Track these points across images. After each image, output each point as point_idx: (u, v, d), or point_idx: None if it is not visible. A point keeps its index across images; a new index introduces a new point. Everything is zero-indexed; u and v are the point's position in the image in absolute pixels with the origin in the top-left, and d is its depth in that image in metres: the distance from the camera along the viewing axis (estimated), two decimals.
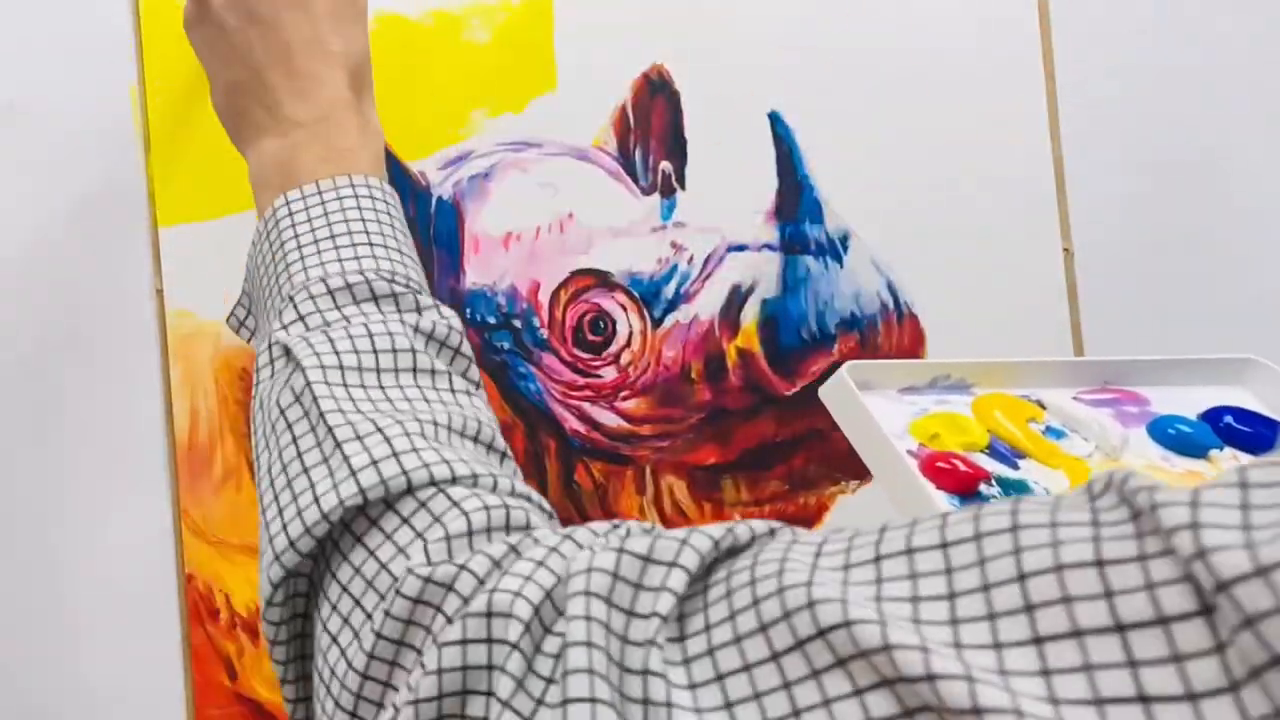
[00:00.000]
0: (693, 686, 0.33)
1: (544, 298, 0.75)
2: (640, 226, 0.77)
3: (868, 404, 0.54)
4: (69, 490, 0.72)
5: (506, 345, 0.75)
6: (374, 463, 0.42)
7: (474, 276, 0.75)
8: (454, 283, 0.75)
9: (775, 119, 0.78)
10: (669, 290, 0.77)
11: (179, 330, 0.73)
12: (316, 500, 0.42)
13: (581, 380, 0.76)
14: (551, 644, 0.36)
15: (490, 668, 0.36)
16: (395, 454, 0.42)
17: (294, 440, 0.44)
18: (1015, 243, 0.80)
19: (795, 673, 0.32)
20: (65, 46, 0.72)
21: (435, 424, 0.44)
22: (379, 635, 0.38)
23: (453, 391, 0.47)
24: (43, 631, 0.72)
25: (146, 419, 0.73)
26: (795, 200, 0.78)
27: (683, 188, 0.77)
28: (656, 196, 0.77)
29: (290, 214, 0.53)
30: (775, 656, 0.32)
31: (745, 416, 0.77)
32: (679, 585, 0.35)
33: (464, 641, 0.36)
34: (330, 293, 0.49)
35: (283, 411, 0.45)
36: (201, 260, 0.73)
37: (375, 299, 0.49)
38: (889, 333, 0.79)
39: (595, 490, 0.76)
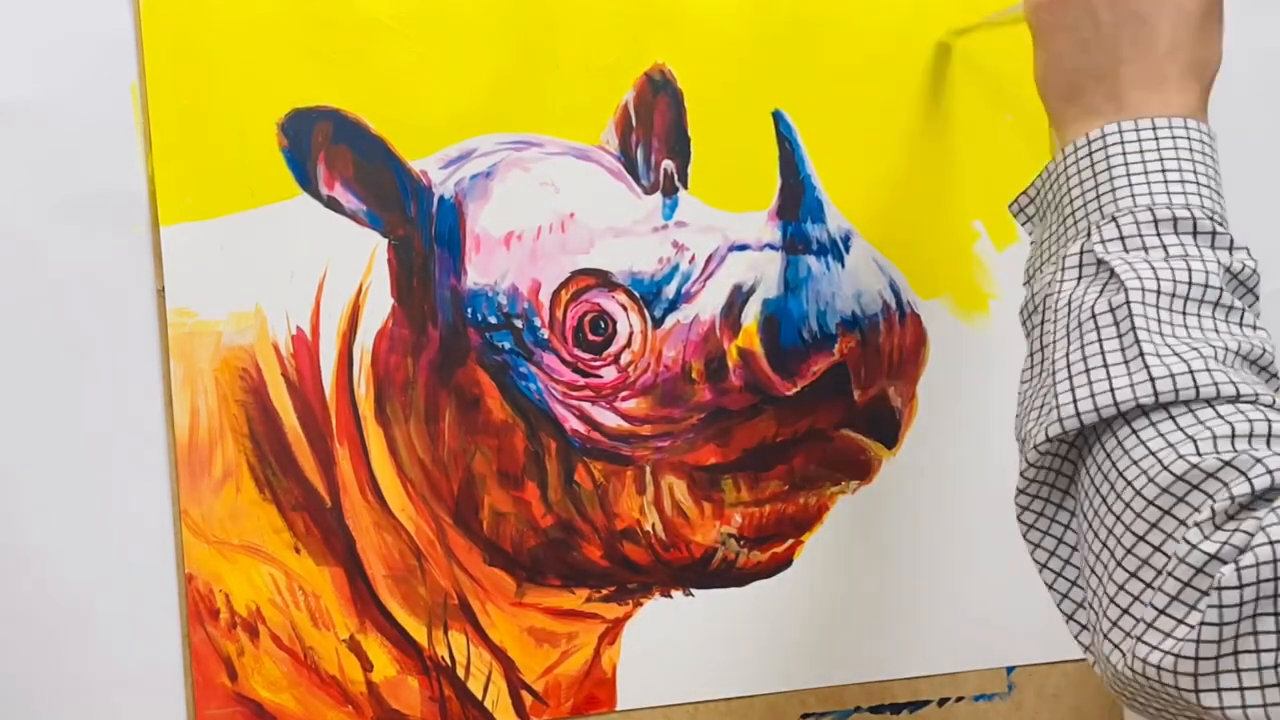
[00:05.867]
0: None
1: (545, 297, 0.75)
2: (642, 226, 0.77)
3: None
4: (69, 490, 0.72)
5: (507, 345, 0.75)
6: (1171, 374, 0.52)
7: (475, 276, 0.75)
8: (455, 282, 0.75)
9: (779, 118, 0.78)
10: (670, 290, 0.77)
11: (179, 330, 0.73)
12: (1112, 390, 0.52)
13: (582, 380, 0.76)
14: None
15: None
16: (1190, 370, 0.51)
17: (1099, 340, 0.54)
18: (1015, 243, 0.81)
19: None
20: (65, 46, 0.72)
21: (1226, 350, 0.53)
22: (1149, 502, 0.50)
23: (1242, 325, 0.55)
24: (43, 631, 0.71)
25: (146, 419, 0.73)
26: (797, 200, 0.78)
27: (685, 187, 0.77)
28: (658, 196, 0.77)
29: (1121, 141, 0.59)
30: None
31: (745, 416, 0.77)
32: None
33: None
34: (1155, 221, 0.56)
35: (1094, 316, 0.55)
36: (202, 260, 0.73)
37: (1195, 234, 0.56)
38: (890, 332, 0.79)
39: (595, 490, 0.76)
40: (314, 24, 0.74)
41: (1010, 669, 0.80)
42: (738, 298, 0.77)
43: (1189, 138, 0.58)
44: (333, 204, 0.74)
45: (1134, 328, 0.53)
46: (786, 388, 0.78)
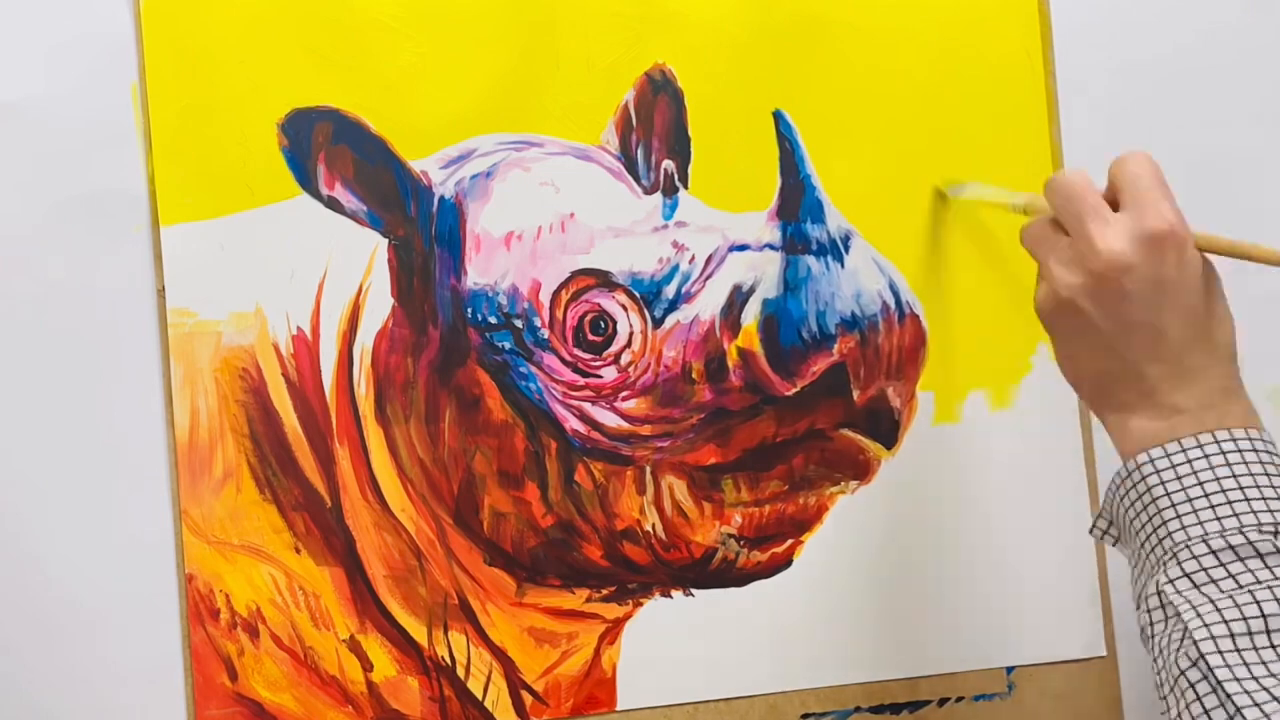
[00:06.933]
0: None
1: (545, 297, 0.75)
2: (641, 226, 0.77)
3: None
4: (69, 490, 0.72)
5: (507, 345, 0.75)
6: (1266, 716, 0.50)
7: (475, 276, 0.75)
8: (455, 282, 0.75)
9: (779, 118, 0.78)
10: (670, 290, 0.77)
11: (179, 330, 0.73)
12: None
13: (582, 380, 0.76)
14: None
15: None
16: None
17: (1198, 698, 0.53)
18: (1016, 243, 0.81)
19: None
20: (65, 46, 0.72)
21: None
22: None
23: None
24: (43, 631, 0.71)
25: (146, 419, 0.73)
26: (797, 200, 0.78)
27: (685, 187, 0.77)
28: (658, 196, 0.77)
29: (1157, 470, 0.58)
30: None
31: (745, 416, 0.77)
32: None
33: None
34: (1213, 552, 0.56)
35: (1183, 672, 0.54)
36: (202, 260, 0.73)
37: (1259, 555, 0.55)
38: (890, 333, 0.79)
39: (595, 490, 0.76)
40: (314, 24, 0.74)
41: (1010, 669, 0.80)
42: (737, 298, 0.77)
43: (1223, 452, 0.58)
44: (333, 204, 0.74)
45: (1219, 681, 0.53)
46: (786, 388, 0.78)
